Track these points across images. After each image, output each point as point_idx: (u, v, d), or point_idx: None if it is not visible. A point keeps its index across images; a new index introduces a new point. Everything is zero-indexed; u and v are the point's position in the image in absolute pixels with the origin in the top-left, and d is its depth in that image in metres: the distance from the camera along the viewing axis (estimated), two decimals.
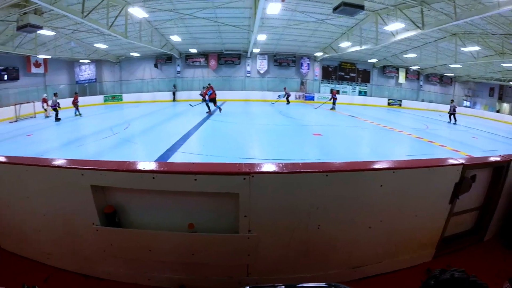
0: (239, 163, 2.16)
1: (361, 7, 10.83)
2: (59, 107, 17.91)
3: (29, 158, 2.69)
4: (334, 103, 23.56)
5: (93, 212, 2.33)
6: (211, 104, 18.47)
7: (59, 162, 2.44)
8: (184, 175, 2.07)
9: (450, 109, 20.72)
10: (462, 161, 2.43)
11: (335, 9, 11.03)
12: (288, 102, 26.35)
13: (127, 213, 2.39)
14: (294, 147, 10.37)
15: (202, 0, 16.01)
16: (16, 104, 19.94)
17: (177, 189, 2.16)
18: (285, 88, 27.27)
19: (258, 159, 8.31)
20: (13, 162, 2.64)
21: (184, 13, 17.44)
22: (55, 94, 18.74)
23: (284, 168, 2.08)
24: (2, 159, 2.82)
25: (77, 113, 20.17)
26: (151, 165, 2.23)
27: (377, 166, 2.25)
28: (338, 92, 25.59)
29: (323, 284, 1.46)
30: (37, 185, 2.43)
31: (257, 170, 2.04)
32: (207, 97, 18.24)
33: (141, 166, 2.22)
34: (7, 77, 22.82)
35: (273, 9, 13.78)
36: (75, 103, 20.31)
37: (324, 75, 30.65)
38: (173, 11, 17.13)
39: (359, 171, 2.18)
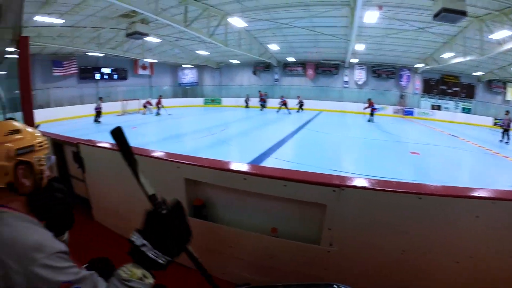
0: (330, 175, 2.13)
1: (463, 13, 9.95)
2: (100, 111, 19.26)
3: (133, 148, 3.05)
4: (371, 114, 21.66)
5: (183, 202, 2.52)
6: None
7: (158, 154, 2.73)
8: (275, 180, 2.10)
9: (504, 123, 16.66)
10: None
11: (435, 16, 10.32)
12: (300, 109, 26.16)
13: (215, 208, 2.53)
14: (389, 164, 9.83)
15: (299, 10, 16.17)
16: (123, 100, 23.46)
17: (266, 193, 2.20)
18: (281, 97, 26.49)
19: (349, 173, 8.12)
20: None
21: (281, 23, 17.79)
22: (100, 99, 20.10)
23: (376, 185, 1.98)
24: (109, 145, 3.31)
25: (158, 112, 22.82)
26: (244, 167, 2.33)
27: (474, 194, 1.95)
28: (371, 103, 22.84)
29: (324, 284, 1.45)
30: (141, 172, 2.70)
31: (348, 184, 1.97)
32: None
33: (234, 166, 2.34)
34: (117, 76, 26.76)
35: (371, 17, 13.34)
36: (158, 105, 23.12)
37: (425, 89, 28.16)
38: (271, 20, 17.63)
39: (454, 197, 1.92)
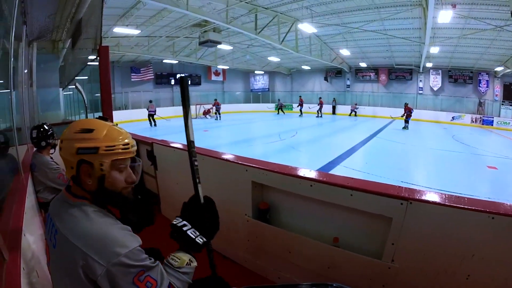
0: (399, 186, 2.03)
1: None
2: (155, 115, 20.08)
3: (205, 149, 3.27)
4: (407, 121, 19.64)
5: (249, 205, 2.64)
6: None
7: (228, 156, 2.88)
8: (341, 188, 2.09)
9: None
10: None
11: None
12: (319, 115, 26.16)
13: (279, 212, 2.59)
14: (463, 178, 9.12)
15: (369, 13, 15.76)
16: (196, 105, 24.73)
17: (331, 201, 2.20)
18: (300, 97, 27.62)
19: (419, 186, 7.72)
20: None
21: (352, 27, 17.48)
22: (151, 102, 20.69)
23: (447, 201, 1.84)
24: (180, 146, 3.58)
25: (218, 117, 23.71)
26: (311, 173, 2.34)
27: None
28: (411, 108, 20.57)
29: (323, 284, 1.42)
30: (208, 172, 2.79)
31: (417, 197, 1.88)
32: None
33: (301, 172, 2.35)
34: (190, 82, 28.33)
35: (444, 17, 12.56)
36: (217, 109, 23.97)
37: (506, 95, 25.08)
38: (341, 25, 17.40)
39: None
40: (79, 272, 1.02)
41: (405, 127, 19.75)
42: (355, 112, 27.21)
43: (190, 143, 1.46)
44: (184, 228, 1.28)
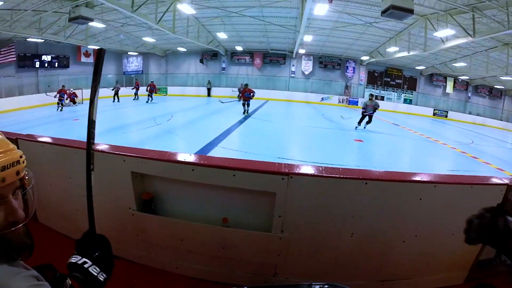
0: (279, 163, 2.15)
1: (410, 11, 10.50)
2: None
3: (76, 141, 2.87)
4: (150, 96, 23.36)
5: (131, 197, 2.43)
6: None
7: (103, 147, 2.56)
8: (224, 170, 2.09)
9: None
10: (507, 181, 2.24)
11: (383, 12, 10.77)
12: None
13: (164, 201, 2.46)
14: (334, 152, 10.24)
15: None
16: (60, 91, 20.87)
17: (215, 183, 2.19)
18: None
19: (296, 161, 8.28)
20: (61, 144, 2.84)
21: (231, 11, 17.61)
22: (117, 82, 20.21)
23: (324, 172, 2.06)
24: (50, 140, 3.07)
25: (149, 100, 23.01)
26: (192, 157, 2.28)
27: (417, 178, 2.15)
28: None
29: (323, 284, 1.49)
30: (80, 167, 2.54)
31: (296, 172, 2.02)
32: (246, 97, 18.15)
33: (182, 157, 2.27)
34: (57, 64, 24.47)
35: (320, 10, 13.58)
36: (151, 91, 23.10)
37: (370, 80, 29.76)
38: (221, 8, 17.39)
39: (399, 181, 2.11)
40: None
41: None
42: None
43: (91, 122, 1.32)
44: (85, 266, 1.15)
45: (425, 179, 2.16)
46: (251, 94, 16.88)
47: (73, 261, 1.16)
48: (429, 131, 18.52)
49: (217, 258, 2.39)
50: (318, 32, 20.55)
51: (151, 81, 24.49)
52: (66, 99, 19.56)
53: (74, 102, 20.69)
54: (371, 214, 2.13)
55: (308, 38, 20.51)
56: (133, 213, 2.48)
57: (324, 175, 2.03)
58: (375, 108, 14.49)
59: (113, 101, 23.28)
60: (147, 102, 22.95)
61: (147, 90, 23.52)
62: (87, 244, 1.23)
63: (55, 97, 18.55)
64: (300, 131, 13.97)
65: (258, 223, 2.24)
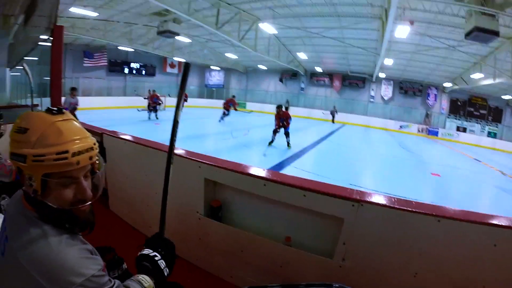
0: (351, 189, 2.10)
1: (496, 33, 9.76)
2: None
3: (156, 143, 3.17)
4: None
5: (201, 202, 2.57)
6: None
7: (180, 152, 2.77)
8: (295, 188, 2.09)
9: None
10: None
11: (467, 34, 10.14)
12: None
13: (231, 211, 2.55)
14: (408, 183, 9.66)
15: (329, 20, 16.13)
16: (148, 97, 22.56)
17: (284, 201, 2.20)
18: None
19: (367, 189, 7.99)
20: (142, 143, 3.18)
21: (312, 32, 17.78)
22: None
23: (396, 204, 1.94)
24: (132, 138, 3.46)
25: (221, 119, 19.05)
26: (264, 173, 2.32)
27: (495, 221, 1.87)
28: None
29: (324, 284, 1.48)
30: (158, 167, 2.74)
31: (368, 200, 1.95)
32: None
33: (256, 171, 2.34)
34: (145, 72, 27.42)
35: (402, 32, 13.15)
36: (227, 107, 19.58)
37: (452, 109, 27.40)
38: (301, 29, 17.66)
39: (474, 223, 1.86)
40: None
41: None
42: (333, 115, 26.80)
43: (176, 122, 1.54)
44: (156, 258, 1.32)
45: (503, 224, 1.92)
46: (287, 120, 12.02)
47: (146, 253, 1.33)
48: None
49: (273, 275, 2.38)
50: (399, 56, 19.80)
51: (232, 96, 21.74)
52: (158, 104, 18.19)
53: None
54: (440, 255, 1.94)
55: (388, 61, 19.79)
56: (199, 217, 2.61)
57: (396, 206, 1.92)
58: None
59: (149, 118, 18.01)
60: (222, 118, 19.24)
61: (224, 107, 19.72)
62: (157, 243, 1.40)
63: (145, 98, 18.86)
64: (375, 158, 13.40)
65: (321, 247, 2.20)
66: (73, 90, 10.81)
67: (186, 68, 1.56)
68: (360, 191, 2.09)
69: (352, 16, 15.07)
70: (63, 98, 8.30)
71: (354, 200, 1.95)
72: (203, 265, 2.72)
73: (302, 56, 23.61)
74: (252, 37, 17.70)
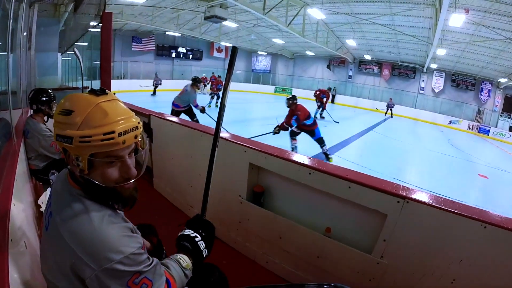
0: (397, 184, 2.02)
1: None
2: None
3: (201, 125, 3.29)
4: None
5: (244, 186, 2.61)
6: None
7: (226, 135, 2.83)
8: (340, 179, 2.06)
9: None
10: None
11: None
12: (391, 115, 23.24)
13: (273, 197, 2.56)
14: (453, 183, 9.24)
15: (380, 6, 15.56)
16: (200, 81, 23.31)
17: (328, 191, 2.18)
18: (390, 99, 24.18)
19: (412, 185, 7.74)
20: (188, 125, 3.27)
21: (361, 18, 17.23)
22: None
23: (443, 204, 1.84)
24: (178, 121, 3.57)
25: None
26: (311, 161, 2.30)
27: None
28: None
29: (325, 284, 1.46)
30: (203, 149, 2.81)
31: (414, 197, 1.87)
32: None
33: (301, 159, 2.32)
34: (192, 56, 28.04)
35: (456, 20, 12.42)
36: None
37: (506, 107, 25.30)
38: (350, 15, 17.16)
39: None
40: (67, 268, 0.95)
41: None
42: (391, 109, 23.86)
43: (223, 106, 1.63)
44: (196, 239, 1.37)
45: None
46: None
47: (187, 233, 1.38)
48: None
49: (309, 265, 2.38)
50: (452, 46, 18.70)
51: (328, 88, 18.87)
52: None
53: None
54: (482, 264, 1.81)
55: (441, 52, 18.68)
56: (241, 201, 2.65)
57: (443, 207, 1.82)
58: None
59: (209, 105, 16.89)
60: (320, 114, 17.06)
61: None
62: (198, 224, 1.44)
63: (207, 83, 19.67)
64: (422, 154, 12.92)
65: (360, 241, 2.16)
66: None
67: (233, 52, 1.58)
68: (407, 187, 2.01)
69: (404, 2, 14.40)
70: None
71: (400, 196, 1.88)
72: (241, 248, 2.79)
73: (350, 43, 22.90)
74: (300, 22, 17.45)
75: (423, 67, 25.14)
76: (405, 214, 1.89)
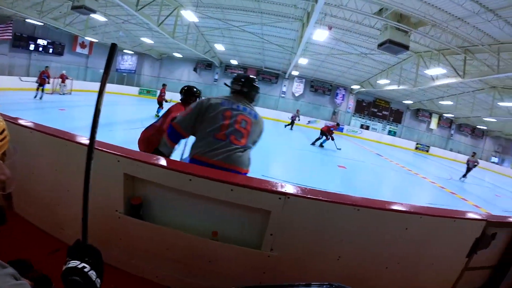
0: (276, 182, 2.19)
1: (406, 47, 10.95)
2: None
3: (67, 133, 2.74)
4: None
5: (120, 200, 2.36)
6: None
7: (97, 144, 2.51)
8: (222, 183, 2.08)
9: (469, 164, 16.66)
10: (486, 218, 2.41)
11: (380, 45, 11.19)
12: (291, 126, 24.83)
13: (153, 208, 2.40)
14: (318, 175, 10.37)
15: (252, 16, 16.40)
16: (55, 78, 20.47)
17: (212, 196, 2.17)
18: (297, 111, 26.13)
19: (282, 180, 8.24)
20: (51, 133, 2.71)
21: (232, 25, 17.87)
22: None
23: (320, 196, 2.11)
24: (39, 127, 2.90)
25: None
26: (190, 167, 2.26)
27: (404, 209, 2.23)
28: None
29: (324, 284, 1.51)
30: (69, 160, 2.49)
31: (293, 193, 2.07)
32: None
33: (180, 166, 2.25)
34: (52, 50, 24.19)
35: (320, 35, 13.85)
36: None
37: (357, 109, 30.54)
38: (223, 20, 17.63)
39: (388, 210, 2.18)
40: None
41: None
42: (294, 121, 24.80)
43: (98, 111, 1.37)
44: (85, 270, 1.18)
45: (411, 210, 2.24)
46: None
47: (73, 265, 1.18)
48: (411, 164, 19.00)
49: (203, 271, 2.35)
50: (313, 57, 20.98)
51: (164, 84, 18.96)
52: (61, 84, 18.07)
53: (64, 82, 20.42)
54: (360, 240, 2.21)
55: (303, 61, 20.89)
56: (119, 216, 2.40)
57: (320, 198, 2.08)
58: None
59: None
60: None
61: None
62: (82, 251, 1.25)
63: (36, 82, 17.16)
64: (286, 152, 14.13)
65: (249, 240, 2.24)
66: None
67: (112, 50, 1.41)
68: (285, 184, 2.20)
69: (274, 14, 15.54)
70: None
71: (281, 193, 2.05)
72: (126, 267, 2.50)
73: (219, 47, 23.69)
74: (172, 23, 17.16)
75: (286, 73, 27.84)
76: (287, 208, 2.06)
